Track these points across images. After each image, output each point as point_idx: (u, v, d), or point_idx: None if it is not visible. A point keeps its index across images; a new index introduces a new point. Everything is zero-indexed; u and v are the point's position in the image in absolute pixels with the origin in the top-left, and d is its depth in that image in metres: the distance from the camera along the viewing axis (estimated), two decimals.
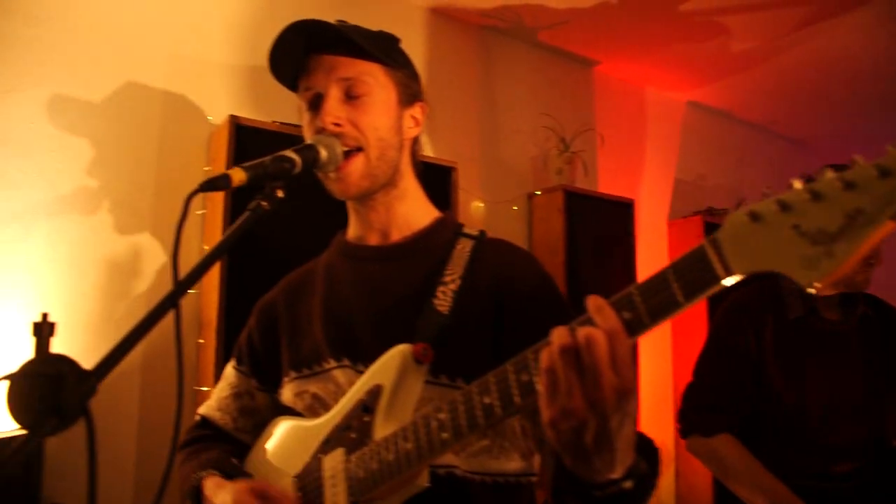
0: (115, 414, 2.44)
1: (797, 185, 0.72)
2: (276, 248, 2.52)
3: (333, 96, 1.22)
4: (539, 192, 3.67)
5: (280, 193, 1.05)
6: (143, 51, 2.66)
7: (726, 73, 4.28)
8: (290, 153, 1.09)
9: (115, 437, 2.44)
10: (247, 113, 2.69)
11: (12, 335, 2.30)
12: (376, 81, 1.26)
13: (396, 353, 1.14)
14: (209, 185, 0.99)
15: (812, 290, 0.70)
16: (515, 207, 3.65)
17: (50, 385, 0.69)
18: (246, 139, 2.55)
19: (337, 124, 1.20)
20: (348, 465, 1.13)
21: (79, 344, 2.41)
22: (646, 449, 0.95)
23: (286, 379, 1.33)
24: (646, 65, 4.18)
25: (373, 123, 1.23)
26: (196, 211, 2.68)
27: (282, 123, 2.67)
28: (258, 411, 1.42)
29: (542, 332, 0.89)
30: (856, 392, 1.99)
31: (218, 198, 2.52)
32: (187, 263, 2.57)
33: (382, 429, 1.12)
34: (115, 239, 2.54)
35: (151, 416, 2.53)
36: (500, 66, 3.75)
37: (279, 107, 2.88)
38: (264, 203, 1.03)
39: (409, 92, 1.33)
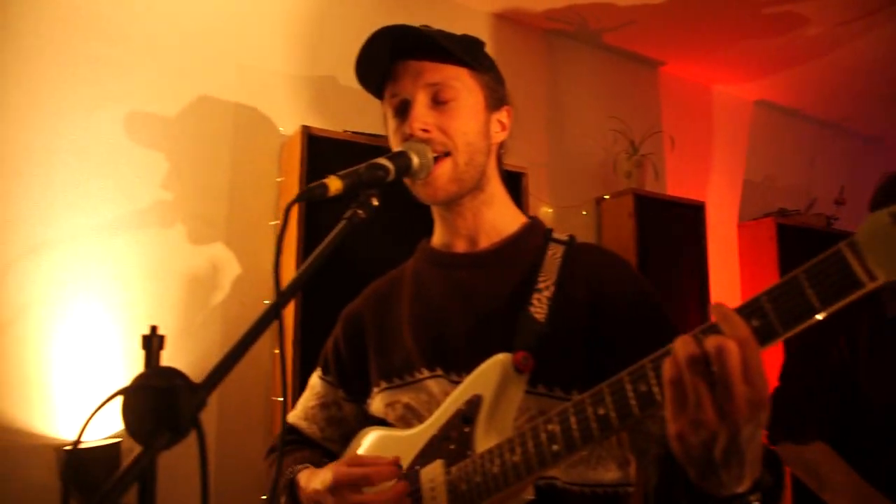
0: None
1: None
2: (350, 256, 2.52)
3: (421, 102, 1.20)
4: (608, 196, 3.60)
5: (375, 202, 1.02)
6: (214, 65, 2.70)
7: (795, 69, 4.15)
8: (383, 161, 1.07)
9: (192, 447, 2.45)
10: (317, 123, 2.70)
11: (95, 347, 2.35)
12: (463, 86, 1.24)
13: (496, 363, 1.11)
14: (307, 195, 0.97)
15: None
16: (584, 212, 3.60)
17: (164, 398, 0.68)
18: (318, 149, 2.55)
19: (425, 130, 1.18)
20: (449, 477, 1.10)
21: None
22: (768, 460, 0.90)
23: (376, 389, 1.31)
24: (712, 63, 4.09)
25: (461, 128, 1.21)
26: (269, 222, 2.69)
27: (353, 133, 2.66)
28: (346, 421, 1.40)
29: (641, 340, 0.88)
30: None
31: (292, 208, 2.52)
32: (264, 274, 2.60)
33: (483, 440, 1.09)
34: (191, 251, 2.57)
35: (228, 426, 2.55)
36: (565, 70, 3.71)
37: (349, 116, 2.89)
38: (360, 211, 1.00)
39: (496, 96, 1.30)
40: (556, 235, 1.29)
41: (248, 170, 2.71)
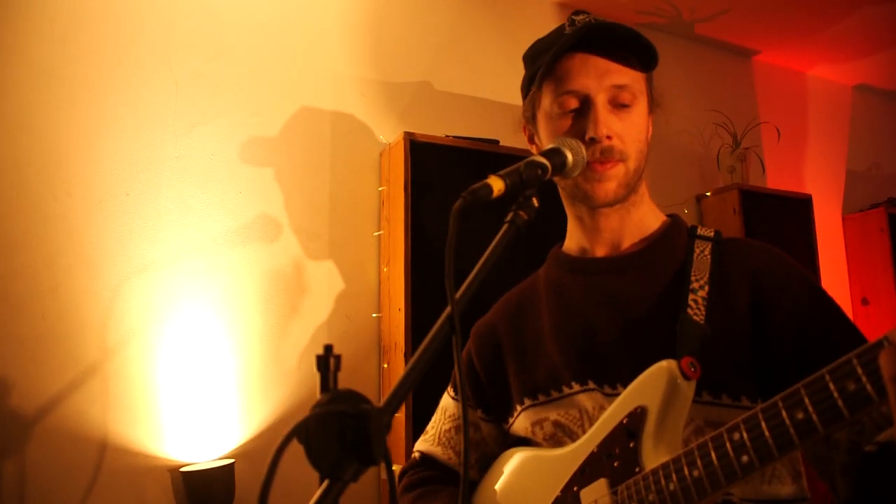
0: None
1: None
2: (459, 267, 2.44)
3: (604, 104, 1.13)
4: (709, 194, 3.44)
5: (535, 202, 0.94)
6: (307, 76, 2.66)
7: (894, 49, 3.91)
8: (540, 158, 0.99)
9: (304, 462, 2.41)
10: (415, 129, 2.63)
11: (203, 365, 2.31)
12: (640, 90, 1.16)
13: (661, 371, 1.01)
14: (472, 196, 0.88)
15: None
16: (686, 211, 3.45)
17: (352, 425, 0.61)
18: (420, 155, 2.48)
19: (609, 137, 1.11)
20: (616, 497, 1.00)
21: (266, 373, 2.40)
22: None
23: (519, 407, 1.22)
24: (808, 49, 3.89)
25: (637, 135, 1.14)
26: (373, 233, 2.63)
27: (455, 137, 2.59)
28: (483, 443, 1.31)
29: (814, 334, 0.83)
30: None
31: (397, 216, 2.46)
32: (369, 287, 2.54)
33: (652, 455, 0.99)
34: (295, 265, 2.52)
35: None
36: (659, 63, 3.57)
37: (444, 121, 2.82)
38: (523, 213, 0.92)
39: (654, 98, 1.23)
40: (700, 231, 1.19)
41: (348, 180, 2.66)
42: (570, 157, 1.05)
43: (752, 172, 3.42)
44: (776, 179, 3.79)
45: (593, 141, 1.10)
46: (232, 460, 2.25)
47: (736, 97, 3.80)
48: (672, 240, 1.19)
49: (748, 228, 3.27)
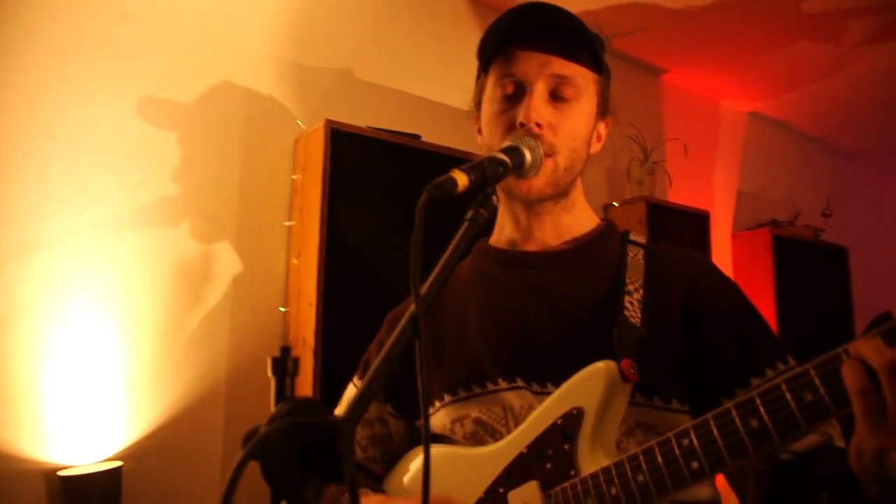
0: (199, 441, 2.26)
1: None
2: (371, 261, 2.35)
3: (540, 93, 1.10)
4: (616, 204, 3.51)
5: (495, 200, 0.91)
6: (225, 50, 2.49)
7: (789, 85, 4.20)
8: (500, 155, 0.96)
9: (201, 470, 2.25)
10: (334, 116, 2.51)
11: (92, 357, 2.12)
12: (585, 87, 1.14)
13: (599, 372, 0.99)
14: (436, 189, 0.83)
15: None
16: None
17: (317, 438, 0.55)
18: (340, 145, 2.37)
19: (539, 125, 1.08)
20: (549, 501, 0.97)
21: (161, 367, 2.23)
22: None
23: (438, 403, 1.16)
24: (712, 74, 4.09)
25: (572, 132, 1.12)
26: (283, 222, 2.50)
27: (376, 129, 2.49)
28: (390, 439, 1.25)
29: (744, 343, 0.85)
30: None
31: (311, 207, 2.34)
32: (277, 279, 2.41)
33: (589, 458, 0.97)
34: (199, 252, 2.35)
35: (236, 442, 2.33)
36: None
37: (365, 111, 2.72)
38: (483, 210, 0.89)
39: (606, 104, 1.21)
40: (633, 237, 1.20)
41: (260, 165, 2.50)
42: (528, 155, 1.03)
43: (659, 186, 3.53)
44: (677, 194, 3.93)
45: (522, 127, 1.07)
46: (119, 463, 2.06)
47: (645, 112, 3.91)
48: (605, 243, 1.19)
49: (652, 240, 3.36)
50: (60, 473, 1.99)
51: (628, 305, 1.08)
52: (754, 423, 0.80)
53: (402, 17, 2.96)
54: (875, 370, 0.70)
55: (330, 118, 2.41)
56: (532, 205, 1.16)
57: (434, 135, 2.63)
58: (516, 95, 1.12)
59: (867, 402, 0.71)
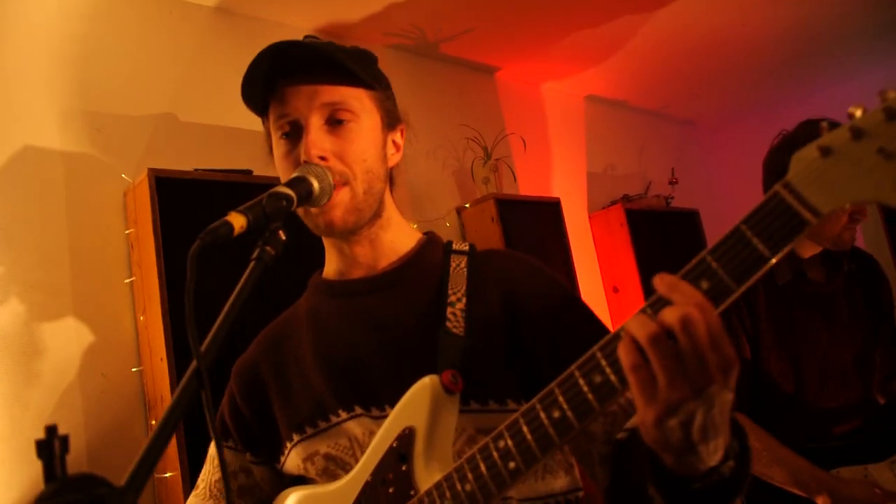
0: None
1: (858, 112, 0.68)
2: (219, 307, 2.32)
3: (316, 125, 1.10)
4: (468, 205, 3.60)
5: (282, 235, 0.92)
6: (30, 112, 2.38)
7: (614, 62, 4.35)
8: (284, 189, 0.97)
9: None
10: (161, 164, 2.46)
11: None
12: (362, 107, 1.15)
13: (424, 388, 1.02)
14: (210, 237, 0.84)
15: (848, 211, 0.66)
16: (448, 224, 3.57)
17: None
18: (168, 192, 2.32)
19: (323, 158, 1.08)
20: None
21: (9, 450, 2.11)
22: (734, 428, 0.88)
23: (289, 444, 1.18)
24: (541, 63, 4.21)
25: (360, 154, 1.12)
26: (123, 280, 2.42)
27: (203, 170, 2.46)
28: (258, 488, 1.25)
29: (566, 333, 0.87)
30: (846, 353, 2.00)
31: (148, 260, 2.28)
32: (125, 337, 2.32)
33: (425, 475, 1.00)
34: (34, 327, 2.23)
35: None
36: (408, 85, 3.66)
37: (193, 154, 2.67)
38: (269, 248, 0.90)
39: (392, 115, 1.22)
40: (456, 246, 1.22)
41: (89, 225, 2.40)
42: (315, 184, 1.03)
43: (506, 182, 3.64)
44: (527, 186, 4.06)
45: (306, 164, 1.07)
46: None
47: (484, 112, 4.02)
48: (428, 256, 1.21)
49: (506, 234, 3.46)
50: None
51: (451, 316, 1.09)
52: (556, 414, 0.84)
53: (219, 53, 2.92)
54: (642, 345, 0.73)
55: (154, 167, 2.35)
56: (346, 234, 1.16)
57: (267, 167, 2.61)
58: (296, 133, 1.11)
59: (639, 376, 0.74)
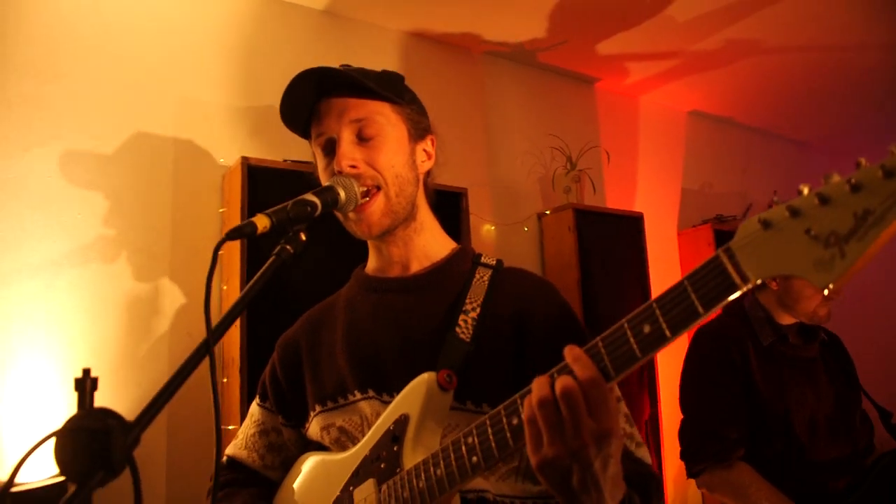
0: (142, 458, 2.47)
1: (805, 190, 0.72)
2: (293, 284, 2.56)
3: (346, 139, 1.25)
4: (548, 212, 3.69)
5: (303, 237, 1.07)
6: (150, 99, 2.72)
7: (724, 79, 4.29)
8: (310, 196, 1.11)
9: (145, 482, 2.46)
10: (257, 153, 2.74)
11: (42, 386, 2.34)
12: (387, 120, 1.29)
13: (421, 382, 1.17)
14: (235, 234, 1.01)
15: (826, 292, 0.70)
16: (526, 228, 3.68)
17: (97, 438, 0.70)
18: (258, 179, 2.59)
19: (353, 166, 1.23)
20: (380, 494, 1.15)
21: (106, 388, 2.44)
22: (641, 479, 1.02)
23: (312, 413, 1.36)
24: (645, 78, 4.21)
25: (388, 161, 1.26)
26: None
27: (293, 162, 2.71)
28: (285, 447, 1.45)
29: (560, 358, 0.93)
30: (830, 408, 2.08)
31: (223, 246, 2.55)
32: (211, 303, 2.60)
33: (411, 457, 1.14)
34: (135, 285, 2.58)
35: (179, 458, 2.56)
36: (501, 90, 3.80)
37: (288, 145, 2.94)
38: (289, 247, 1.05)
39: (419, 127, 1.36)
40: (484, 260, 1.35)
41: (189, 202, 2.73)
42: (342, 193, 1.18)
43: (587, 192, 3.69)
44: (615, 199, 4.09)
45: (340, 174, 1.22)
46: (63, 478, 2.27)
47: (578, 122, 4.08)
48: (456, 266, 1.34)
49: (581, 244, 3.52)
50: (12, 490, 2.22)
51: (461, 323, 1.23)
52: (515, 421, 0.97)
53: (321, 52, 3.17)
54: (532, 405, 0.89)
55: (248, 155, 2.63)
56: (383, 236, 1.32)
57: None
58: (331, 148, 1.28)
59: (530, 429, 0.90)
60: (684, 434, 2.11)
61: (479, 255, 1.37)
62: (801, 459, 2.00)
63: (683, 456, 2.08)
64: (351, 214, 1.25)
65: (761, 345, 2.09)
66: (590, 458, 0.86)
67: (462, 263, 1.35)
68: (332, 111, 1.27)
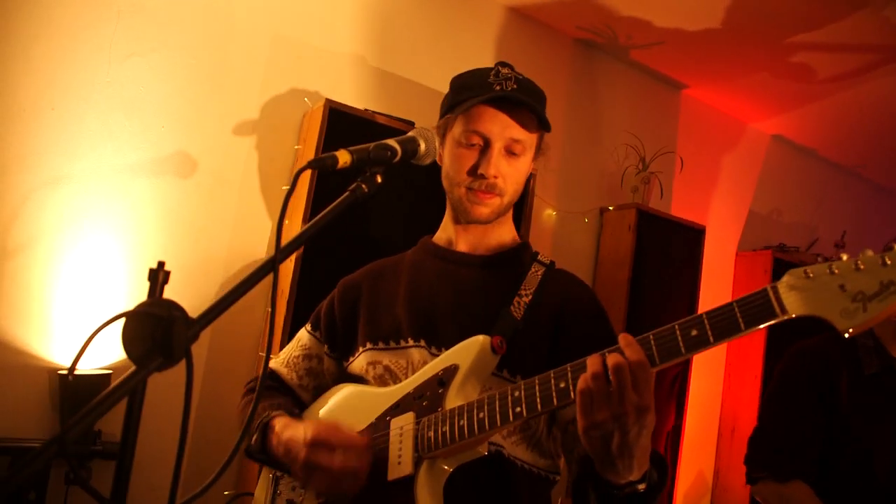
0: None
1: (845, 257, 0.93)
2: (348, 231, 2.63)
3: (499, 151, 1.40)
4: (612, 208, 3.69)
5: (379, 179, 1.11)
6: (248, 31, 2.81)
7: (815, 110, 4.21)
8: (391, 142, 1.16)
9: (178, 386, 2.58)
10: (341, 98, 2.80)
11: (100, 279, 2.47)
12: (529, 146, 1.44)
13: (476, 341, 1.30)
14: (317, 164, 1.05)
15: (846, 335, 0.90)
16: (587, 220, 3.69)
17: (162, 326, 0.74)
18: (337, 122, 2.66)
19: (496, 177, 1.39)
20: (418, 426, 1.27)
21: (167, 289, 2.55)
22: (658, 463, 1.14)
23: (361, 349, 1.48)
24: (735, 93, 4.15)
25: (516, 179, 1.44)
26: (282, 186, 2.81)
27: (373, 112, 2.77)
28: (322, 375, 1.58)
29: (590, 348, 1.07)
30: None
31: (304, 175, 2.63)
32: (269, 234, 2.70)
33: (453, 401, 1.26)
34: (203, 204, 2.68)
35: (215, 376, 2.68)
36: (588, 79, 3.79)
37: (371, 95, 3.00)
38: (364, 186, 1.09)
39: (541, 150, 1.51)
40: (541, 258, 1.50)
41: (268, 134, 2.82)
42: (423, 145, 1.25)
43: (654, 196, 3.67)
44: (681, 207, 4.06)
45: (482, 176, 1.38)
46: (110, 371, 2.41)
47: (658, 124, 4.04)
48: (518, 256, 1.51)
49: (638, 245, 3.52)
50: (60, 372, 2.36)
51: (515, 303, 1.39)
52: (562, 384, 1.11)
53: (414, 10, 3.21)
54: (587, 375, 1.03)
55: (332, 98, 2.69)
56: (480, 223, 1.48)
57: (429, 122, 2.88)
58: (481, 148, 1.40)
59: (582, 396, 1.03)
60: (754, 442, 2.10)
61: (537, 253, 1.53)
62: (871, 495, 1.96)
63: (747, 461, 2.09)
64: (470, 196, 1.41)
65: (861, 373, 2.01)
66: (628, 424, 0.99)
67: (524, 256, 1.51)
68: (497, 121, 1.39)
